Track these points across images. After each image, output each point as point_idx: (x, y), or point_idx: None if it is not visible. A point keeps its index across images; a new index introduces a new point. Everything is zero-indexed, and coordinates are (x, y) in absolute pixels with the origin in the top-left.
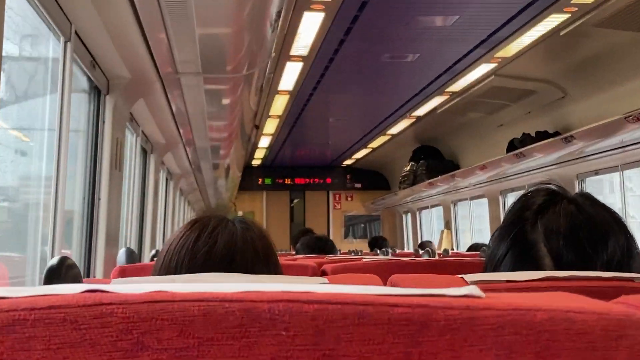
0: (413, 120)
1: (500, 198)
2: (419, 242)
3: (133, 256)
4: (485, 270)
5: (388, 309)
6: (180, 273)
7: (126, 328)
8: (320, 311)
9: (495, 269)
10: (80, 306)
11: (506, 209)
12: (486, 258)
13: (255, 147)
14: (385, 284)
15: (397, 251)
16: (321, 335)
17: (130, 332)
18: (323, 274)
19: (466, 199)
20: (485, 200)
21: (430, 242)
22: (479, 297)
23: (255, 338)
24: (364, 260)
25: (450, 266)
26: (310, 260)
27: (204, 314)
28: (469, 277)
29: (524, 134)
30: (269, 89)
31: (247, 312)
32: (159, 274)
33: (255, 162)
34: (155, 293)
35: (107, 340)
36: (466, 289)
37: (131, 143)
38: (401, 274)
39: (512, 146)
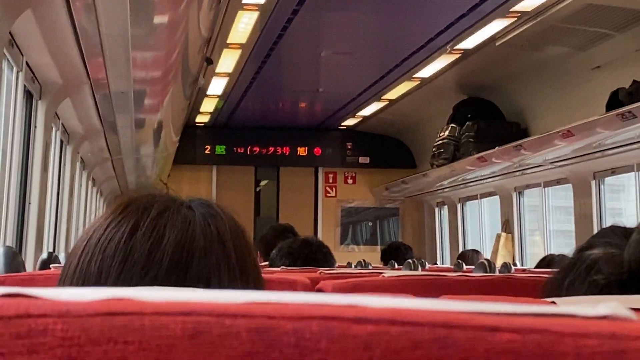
0: (456, 56)
1: (594, 184)
2: (460, 251)
3: (16, 260)
4: None
5: (485, 334)
6: (105, 284)
7: (68, 355)
8: (378, 336)
9: None
10: None
11: (602, 200)
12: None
13: (203, 94)
14: None
15: (428, 266)
16: None
17: None
18: None
19: (538, 185)
20: (569, 187)
21: (478, 252)
22: (628, 320)
23: None
24: (385, 275)
25: (521, 286)
26: (298, 274)
27: (191, 335)
28: (564, 302)
29: (635, 81)
30: (229, 2)
31: (259, 334)
32: (71, 284)
33: (202, 120)
34: (113, 302)
35: None
36: (607, 306)
37: (9, 81)
38: (452, 295)
39: (614, 101)
